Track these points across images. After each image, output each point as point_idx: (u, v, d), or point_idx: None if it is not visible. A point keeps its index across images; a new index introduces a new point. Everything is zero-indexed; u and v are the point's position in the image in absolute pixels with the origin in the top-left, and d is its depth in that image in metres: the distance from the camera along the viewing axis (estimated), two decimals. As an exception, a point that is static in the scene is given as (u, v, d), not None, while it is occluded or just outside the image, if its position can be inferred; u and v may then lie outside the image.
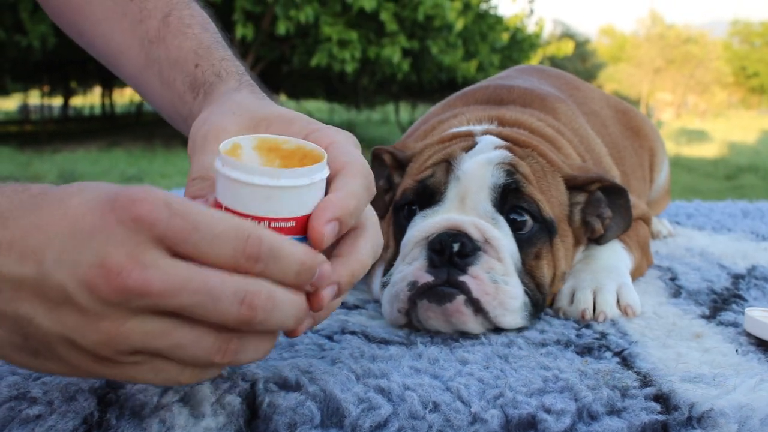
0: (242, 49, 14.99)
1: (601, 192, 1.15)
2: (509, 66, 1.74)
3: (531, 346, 0.93)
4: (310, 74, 16.59)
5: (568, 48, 20.33)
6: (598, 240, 1.18)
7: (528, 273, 1.05)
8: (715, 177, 11.80)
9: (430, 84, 16.52)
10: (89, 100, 31.72)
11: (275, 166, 0.72)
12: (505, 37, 16.93)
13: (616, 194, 1.15)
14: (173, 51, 0.98)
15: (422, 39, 14.64)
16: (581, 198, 1.14)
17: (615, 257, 1.19)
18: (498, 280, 0.99)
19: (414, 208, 1.10)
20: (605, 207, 1.15)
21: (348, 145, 0.80)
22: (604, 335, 0.97)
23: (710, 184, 10.43)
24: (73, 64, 18.39)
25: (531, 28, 18.50)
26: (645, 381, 0.81)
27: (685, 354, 0.90)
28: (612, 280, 1.11)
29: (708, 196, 2.26)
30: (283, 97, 23.40)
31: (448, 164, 1.11)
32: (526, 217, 1.06)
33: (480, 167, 1.07)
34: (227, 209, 0.68)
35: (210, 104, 0.90)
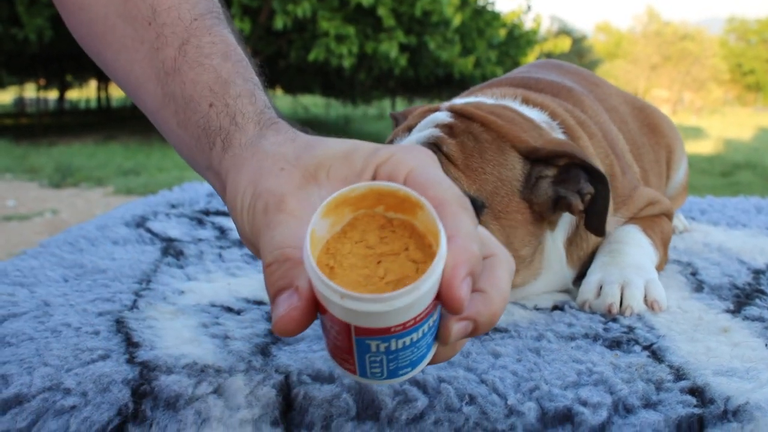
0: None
1: (581, 169, 1.09)
2: (506, 62, 1.74)
3: (561, 339, 0.93)
4: (307, 69, 16.53)
5: (565, 44, 20.36)
6: (588, 226, 1.12)
7: None
8: (711, 174, 11.81)
9: (427, 79, 16.50)
10: (85, 93, 31.68)
11: (345, 216, 0.63)
12: (502, 33, 16.91)
13: (594, 176, 1.08)
14: (188, 86, 0.85)
15: (419, 34, 14.61)
16: (549, 172, 1.09)
17: (642, 253, 1.19)
18: None
19: None
20: (586, 183, 1.09)
21: (431, 169, 0.69)
22: (631, 329, 0.97)
23: (706, 181, 10.44)
24: (69, 57, 18.34)
25: (528, 24, 18.61)
26: (678, 374, 0.81)
27: (715, 348, 0.90)
28: (640, 276, 1.10)
29: (704, 193, 2.26)
30: (279, 92, 23.35)
31: (392, 143, 1.12)
32: None
33: None
34: (357, 327, 0.59)
35: (237, 163, 0.77)
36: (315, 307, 0.61)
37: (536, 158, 1.09)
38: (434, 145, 1.08)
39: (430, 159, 0.70)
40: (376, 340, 0.59)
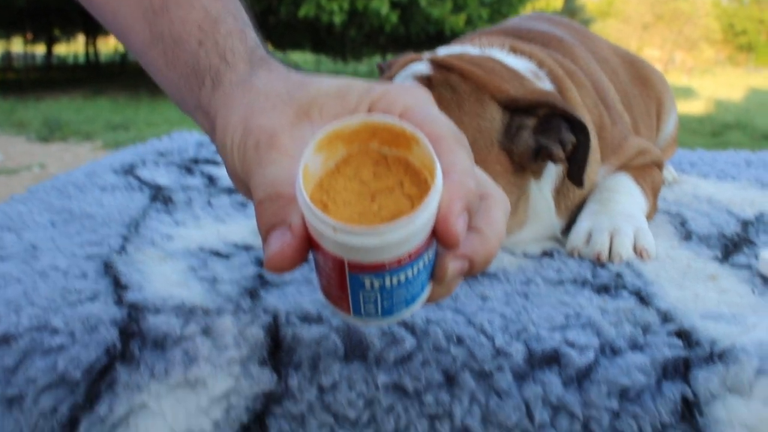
0: (229, -1, 14.83)
1: (562, 119, 1.08)
2: (498, 20, 1.73)
3: (549, 284, 0.93)
4: (297, 25, 16.39)
5: (557, 3, 20.25)
6: (569, 177, 1.12)
7: None
8: (702, 134, 11.80)
9: (418, 36, 16.40)
10: (73, 48, 31.37)
11: (338, 152, 0.62)
12: (494, -10, 16.82)
13: (575, 126, 1.07)
14: (176, 25, 0.82)
15: (410, -9, 14.53)
16: (529, 122, 1.07)
17: (632, 201, 1.19)
18: None
19: None
20: (567, 132, 1.07)
21: (426, 106, 0.68)
22: (619, 275, 0.97)
23: (696, 141, 10.44)
24: (56, 11, 18.14)
25: (520, -19, 18.37)
26: (665, 318, 0.81)
27: (703, 294, 0.90)
28: (629, 223, 1.10)
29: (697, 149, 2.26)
30: (269, 49, 23.14)
31: None
32: None
33: None
34: (351, 263, 0.58)
35: (228, 101, 0.75)
36: (308, 244, 0.60)
37: (516, 108, 1.08)
38: None
39: (425, 96, 0.69)
40: (370, 276, 0.58)
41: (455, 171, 0.60)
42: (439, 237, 0.59)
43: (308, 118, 0.69)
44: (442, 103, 1.06)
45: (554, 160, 1.09)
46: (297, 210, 0.60)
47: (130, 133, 9.15)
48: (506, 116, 1.08)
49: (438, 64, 1.12)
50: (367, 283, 0.59)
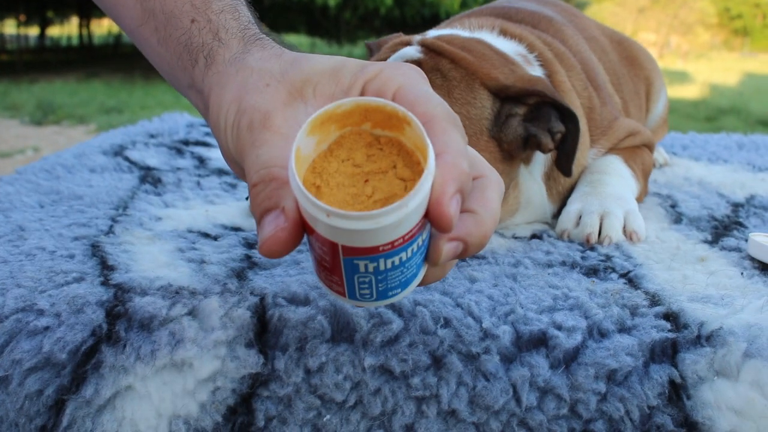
0: (223, -20, 14.76)
1: (552, 108, 1.07)
2: (493, 2, 1.72)
3: (538, 266, 0.93)
4: (292, 7, 16.33)
5: (552, -15, 20.15)
6: (557, 166, 1.12)
7: None
8: (696, 118, 11.79)
9: (413, 19, 16.34)
10: (66, 30, 31.22)
11: (331, 134, 0.61)
12: (489, -28, 16.75)
13: (565, 115, 1.06)
14: (169, 2, 0.81)
15: (406, -27, 14.47)
16: (520, 110, 1.07)
17: (623, 183, 1.19)
18: None
19: None
20: (557, 121, 1.07)
21: (419, 85, 0.67)
22: (608, 257, 0.97)
23: (691, 126, 10.43)
24: (50, -7, 18.06)
25: (516, -36, 18.29)
26: (653, 300, 0.81)
27: (691, 276, 0.90)
28: (619, 206, 1.10)
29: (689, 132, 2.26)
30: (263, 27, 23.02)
31: None
32: None
33: None
34: (345, 247, 0.57)
35: (221, 80, 0.74)
36: (302, 228, 0.60)
37: (506, 96, 1.07)
38: None
39: (419, 75, 0.68)
40: (364, 260, 0.58)
41: (448, 152, 0.60)
42: (433, 220, 0.58)
43: (302, 97, 0.68)
44: (435, 88, 1.05)
45: (542, 149, 1.08)
46: (290, 193, 0.60)
47: (124, 116, 9.12)
48: (496, 104, 1.08)
49: (428, 48, 1.11)
50: (362, 266, 0.59)
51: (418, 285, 0.65)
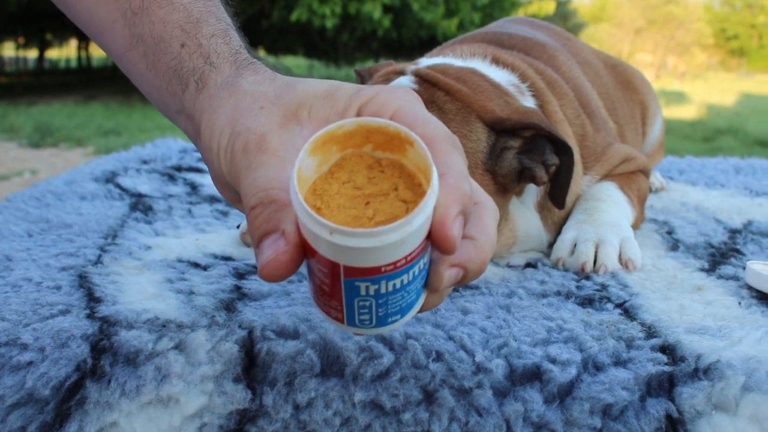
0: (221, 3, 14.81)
1: (547, 140, 1.06)
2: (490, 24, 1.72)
3: (532, 296, 0.92)
4: (290, 29, 16.39)
5: (549, 7, 20.26)
6: (550, 197, 1.11)
7: None
8: (693, 139, 11.82)
9: (410, 41, 16.41)
10: (65, 52, 31.35)
11: (332, 155, 0.61)
12: (486, -6, 16.82)
13: (560, 147, 1.05)
14: (158, 26, 0.80)
15: (403, -5, 14.53)
16: (515, 143, 1.06)
17: (618, 211, 1.18)
18: None
19: None
20: (551, 154, 1.06)
21: (416, 108, 0.66)
22: (604, 287, 0.96)
23: (688, 146, 10.45)
24: (48, 16, 18.10)
25: (513, -14, 18.38)
26: (650, 332, 0.80)
27: (688, 306, 0.89)
28: (615, 233, 1.09)
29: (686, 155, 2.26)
30: (262, 53, 23.11)
31: None
32: None
33: None
34: (346, 268, 0.56)
35: (213, 103, 0.73)
36: (302, 252, 0.59)
37: (501, 129, 1.06)
38: None
39: (415, 98, 0.68)
40: (365, 281, 0.57)
41: (450, 174, 0.59)
42: (436, 241, 0.58)
43: (297, 119, 0.68)
44: None
45: (536, 182, 1.07)
46: (290, 216, 0.59)
47: (122, 139, 9.13)
48: (492, 137, 1.06)
49: (422, 79, 1.10)
50: (363, 288, 0.58)
51: (418, 312, 0.64)
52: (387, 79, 1.13)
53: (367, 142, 0.60)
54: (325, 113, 0.68)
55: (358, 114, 0.67)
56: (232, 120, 0.69)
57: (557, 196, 1.09)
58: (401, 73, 1.14)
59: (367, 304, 0.59)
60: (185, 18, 0.79)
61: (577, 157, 1.16)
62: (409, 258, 0.57)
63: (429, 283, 0.61)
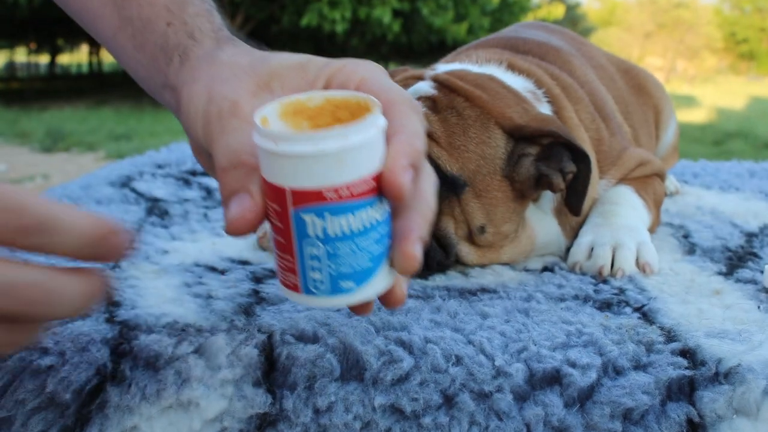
0: (231, 9, 14.86)
1: (564, 148, 1.07)
2: (499, 29, 1.72)
3: (550, 300, 0.92)
4: (300, 34, 16.44)
5: (558, 12, 20.30)
6: (567, 204, 1.11)
7: None
8: (703, 142, 11.80)
9: (420, 46, 16.44)
10: (76, 58, 31.49)
11: (304, 129, 0.66)
12: (495, -1, 16.82)
13: (577, 155, 1.07)
14: (145, 8, 0.86)
15: (413, 0, 14.53)
16: (532, 150, 1.07)
17: (635, 214, 1.17)
18: None
19: None
20: (568, 161, 1.07)
21: (381, 77, 0.72)
22: (622, 291, 0.96)
23: (698, 150, 10.43)
24: (60, 21, 18.17)
25: (522, -10, 18.37)
26: (669, 336, 0.80)
27: (707, 310, 0.89)
28: (632, 237, 1.09)
29: (700, 159, 2.25)
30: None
31: None
32: None
33: None
34: (293, 193, 0.60)
35: (194, 74, 0.77)
36: (265, 209, 0.64)
37: (520, 136, 1.07)
38: None
39: (379, 69, 0.74)
40: (311, 212, 0.60)
41: (404, 132, 0.65)
42: (386, 188, 0.62)
43: (269, 88, 0.73)
44: (448, 129, 1.05)
45: (553, 189, 1.08)
46: (257, 178, 0.64)
47: (134, 143, 9.16)
48: (510, 143, 1.07)
49: (441, 84, 1.11)
50: (310, 225, 0.60)
51: (380, 293, 0.66)
52: (405, 84, 1.14)
53: (336, 120, 0.66)
54: (296, 83, 0.73)
55: (327, 84, 0.72)
56: (209, 87, 0.73)
57: (574, 203, 1.09)
58: (420, 78, 1.15)
59: (317, 253, 0.61)
60: (170, 0, 0.86)
61: (593, 161, 1.16)
62: (353, 190, 0.60)
63: (396, 255, 0.64)
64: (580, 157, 1.06)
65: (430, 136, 1.04)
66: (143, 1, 0.86)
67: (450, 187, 1.03)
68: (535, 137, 1.06)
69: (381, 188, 0.61)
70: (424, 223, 0.66)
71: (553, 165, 1.07)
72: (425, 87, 1.11)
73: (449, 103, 1.08)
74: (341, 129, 0.58)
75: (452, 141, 1.05)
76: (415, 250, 0.64)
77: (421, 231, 0.65)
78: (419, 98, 1.09)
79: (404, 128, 0.65)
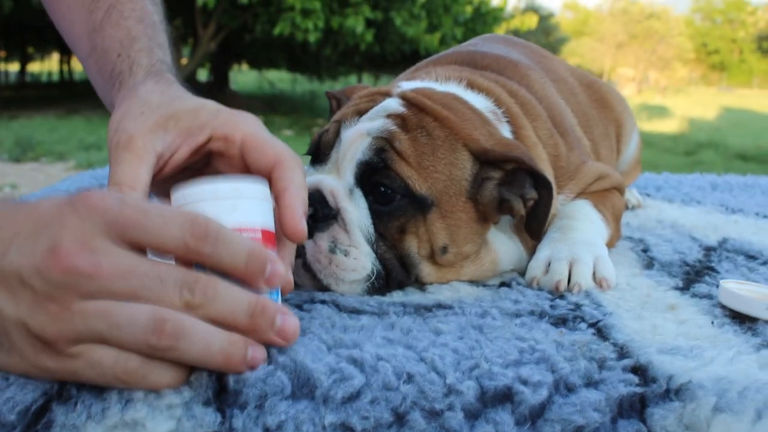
0: (204, 17, 14.82)
1: (527, 174, 1.09)
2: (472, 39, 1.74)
3: (505, 316, 0.92)
4: (273, 43, 16.41)
5: (531, 22, 20.39)
6: (526, 228, 1.13)
7: (392, 246, 1.06)
8: (675, 153, 11.90)
9: (393, 55, 16.44)
10: (47, 66, 31.27)
11: None
12: (468, 9, 16.84)
13: (539, 182, 1.08)
14: (106, 41, 1.05)
15: (386, 10, 14.55)
16: (496, 174, 1.09)
17: (593, 229, 1.18)
18: (338, 250, 1.02)
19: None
20: (530, 188, 1.09)
21: (264, 132, 0.88)
22: (578, 306, 0.96)
23: (670, 160, 10.51)
24: (30, 29, 18.08)
25: (495, 1, 18.46)
26: (622, 352, 0.80)
27: (661, 326, 0.89)
28: (589, 252, 1.09)
29: (663, 172, 2.27)
30: (245, 67, 23.13)
31: (339, 125, 1.13)
32: (393, 192, 1.05)
33: (356, 138, 1.09)
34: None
35: (121, 102, 0.94)
36: None
37: (485, 159, 1.08)
38: (386, 140, 1.07)
39: (259, 124, 0.90)
40: None
41: (294, 185, 0.83)
42: (287, 232, 0.81)
43: (165, 127, 0.87)
44: (417, 148, 1.06)
45: (513, 214, 1.10)
46: None
47: (104, 153, 9.05)
48: (476, 166, 1.09)
49: (410, 102, 1.12)
50: None
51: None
52: (373, 101, 1.15)
53: None
54: (187, 124, 0.88)
55: (212, 132, 0.88)
56: (119, 119, 0.89)
57: (534, 228, 1.12)
58: (387, 95, 1.16)
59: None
60: (125, 35, 1.06)
61: (551, 181, 1.17)
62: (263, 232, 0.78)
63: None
64: (542, 183, 1.08)
65: (401, 154, 1.05)
66: (106, 34, 1.06)
67: (418, 207, 1.04)
68: (500, 162, 1.08)
69: (285, 231, 0.81)
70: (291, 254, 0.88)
71: (515, 190, 1.09)
72: (394, 104, 1.12)
73: (419, 123, 1.09)
74: (234, 178, 0.80)
75: (421, 161, 1.06)
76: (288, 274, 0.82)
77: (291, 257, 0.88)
78: (388, 115, 1.09)
79: (292, 182, 0.83)
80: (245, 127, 0.88)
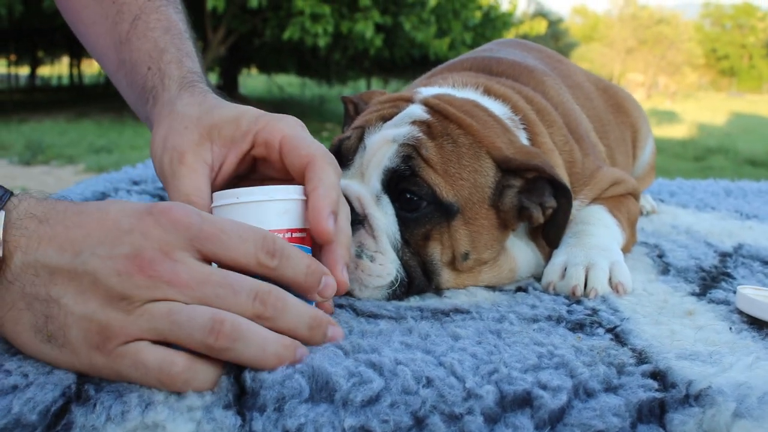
0: (213, 21, 14.83)
1: (547, 183, 1.10)
2: (482, 44, 1.73)
3: (523, 321, 0.92)
4: (282, 48, 16.43)
5: (541, 27, 20.35)
6: (544, 236, 1.14)
7: (416, 252, 1.06)
8: (684, 158, 11.87)
9: (402, 60, 16.43)
10: (57, 70, 31.34)
11: None
12: (478, 14, 16.83)
13: (559, 190, 1.10)
14: (135, 53, 1.06)
15: (395, 15, 14.54)
16: (517, 182, 1.10)
17: (608, 234, 1.18)
18: (364, 256, 1.02)
19: None
20: (549, 196, 1.10)
21: (301, 133, 0.89)
22: (595, 311, 0.96)
23: (679, 165, 10.49)
24: (40, 33, 18.14)
25: (504, 6, 18.47)
26: (641, 358, 0.80)
27: (679, 331, 0.89)
28: (605, 257, 1.09)
29: (676, 177, 2.26)
30: (254, 71, 23.16)
31: (363, 131, 1.13)
32: (419, 199, 1.05)
33: (382, 144, 1.09)
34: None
35: (159, 118, 0.97)
36: None
37: (507, 168, 1.09)
38: (413, 147, 1.07)
39: (299, 125, 0.92)
40: None
41: (323, 185, 0.84)
42: (315, 233, 0.83)
43: (210, 138, 0.92)
44: (443, 156, 1.07)
45: (532, 222, 1.11)
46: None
47: (114, 156, 9.12)
48: (498, 174, 1.10)
49: (433, 109, 1.13)
50: None
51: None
52: (396, 106, 1.15)
53: None
54: (231, 133, 0.92)
55: (255, 137, 0.91)
56: (165, 137, 0.93)
57: (552, 236, 1.13)
58: (409, 101, 1.17)
59: None
60: (153, 47, 1.06)
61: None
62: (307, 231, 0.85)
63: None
64: (561, 192, 1.09)
65: (428, 162, 1.06)
66: (134, 47, 1.07)
67: (443, 214, 1.05)
68: (521, 170, 1.09)
69: (312, 231, 0.83)
70: (345, 251, 0.86)
71: (535, 198, 1.10)
72: (418, 111, 1.13)
73: (444, 130, 1.10)
74: (266, 188, 0.84)
75: (447, 168, 1.06)
76: (343, 276, 0.84)
77: (345, 258, 0.85)
78: (413, 122, 1.10)
79: (322, 182, 0.84)
80: (284, 131, 0.90)
